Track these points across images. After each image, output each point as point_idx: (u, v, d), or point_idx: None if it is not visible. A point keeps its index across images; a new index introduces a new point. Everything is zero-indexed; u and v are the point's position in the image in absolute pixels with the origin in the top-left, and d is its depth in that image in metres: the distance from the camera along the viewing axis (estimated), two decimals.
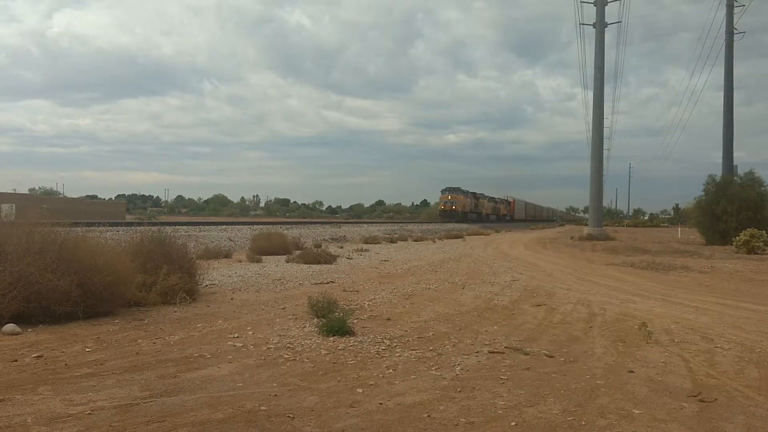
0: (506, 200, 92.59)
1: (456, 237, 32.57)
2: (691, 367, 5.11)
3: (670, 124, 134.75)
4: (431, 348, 5.51)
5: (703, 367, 5.13)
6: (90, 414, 3.49)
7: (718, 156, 39.83)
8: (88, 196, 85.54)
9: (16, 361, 4.62)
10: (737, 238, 23.08)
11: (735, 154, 39.74)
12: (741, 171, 35.42)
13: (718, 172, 35.30)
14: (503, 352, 5.42)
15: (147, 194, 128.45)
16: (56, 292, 5.87)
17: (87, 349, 5.04)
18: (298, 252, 15.40)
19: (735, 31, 39.68)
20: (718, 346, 5.97)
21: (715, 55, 51.99)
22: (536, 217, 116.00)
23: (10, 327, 5.52)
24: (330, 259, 14.25)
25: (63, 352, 4.94)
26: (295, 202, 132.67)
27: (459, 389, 4.26)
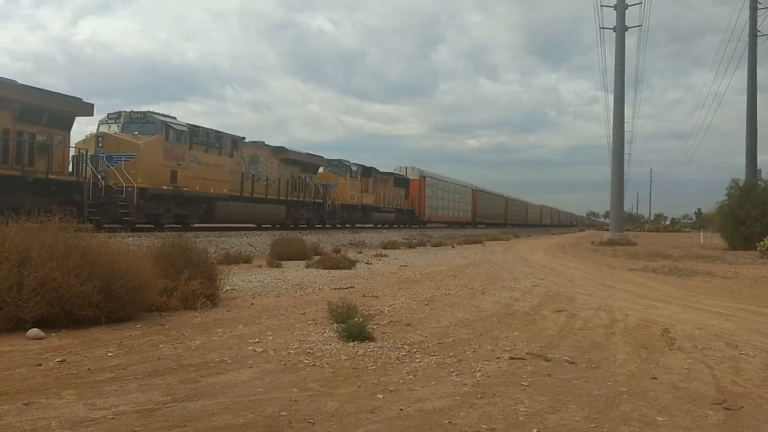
0: (393, 175, 44.79)
1: (475, 242, 32.46)
2: (715, 374, 5.03)
3: (693, 128, 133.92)
4: (451, 354, 5.48)
5: (728, 374, 5.05)
6: (113, 418, 3.52)
7: (741, 160, 39.17)
8: None
9: (40, 365, 4.67)
10: (761, 242, 22.73)
11: (759, 158, 39.22)
12: (765, 175, 34.94)
13: (742, 176, 34.86)
14: (524, 358, 5.38)
15: None
16: (79, 296, 5.92)
17: (109, 354, 5.09)
18: (317, 257, 15.43)
19: (759, 34, 39.19)
20: (743, 352, 5.87)
21: (739, 57, 51.42)
22: (509, 221, 74.30)
23: (34, 331, 5.59)
24: (349, 264, 14.26)
25: (86, 356, 4.99)
26: None
27: (480, 395, 4.23)
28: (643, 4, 37.62)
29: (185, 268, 7.76)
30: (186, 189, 21.63)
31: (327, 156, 35.76)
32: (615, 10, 36.70)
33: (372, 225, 39.74)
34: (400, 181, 45.90)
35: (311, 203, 31.99)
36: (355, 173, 36.90)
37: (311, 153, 32.95)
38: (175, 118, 22.07)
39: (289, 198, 29.15)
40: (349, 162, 37.02)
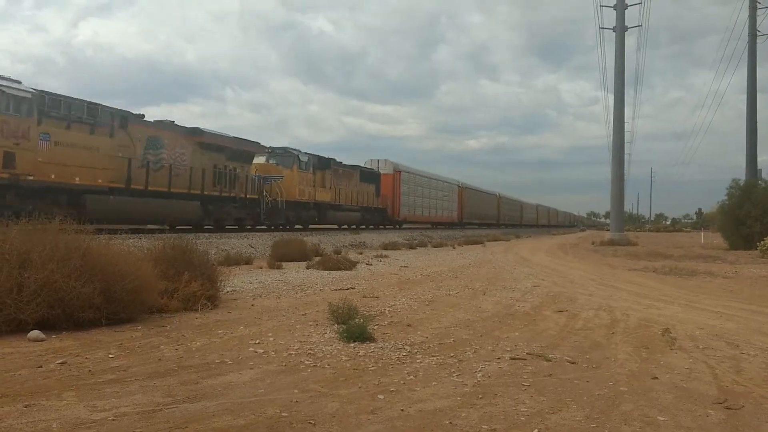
0: (360, 169, 37.80)
1: (476, 243, 32.45)
2: (716, 373, 5.03)
3: (693, 128, 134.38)
4: (452, 354, 5.48)
5: (729, 373, 5.04)
6: (113, 420, 3.52)
7: (742, 160, 39.17)
8: None
9: (40, 367, 4.67)
10: (762, 242, 22.74)
11: (760, 158, 39.25)
12: (766, 175, 34.97)
13: (742, 176, 34.89)
14: (525, 359, 5.38)
15: None
16: (80, 298, 5.93)
17: (110, 356, 5.09)
18: (317, 258, 15.43)
19: (759, 34, 39.21)
20: (744, 352, 5.87)
21: (739, 57, 51.39)
22: (502, 221, 69.13)
23: (34, 333, 5.59)
24: (350, 265, 14.26)
25: (87, 358, 4.99)
26: None
27: (481, 396, 4.23)
28: (643, 4, 37.65)
29: (186, 269, 7.75)
30: (32, 177, 15.87)
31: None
32: (615, 10, 36.73)
33: (336, 226, 34.18)
34: (368, 175, 38.58)
35: (242, 199, 25.25)
36: (305, 164, 29.74)
37: (241, 137, 25.89)
38: (20, 82, 16.08)
39: (207, 192, 22.76)
40: (297, 151, 29.89)
